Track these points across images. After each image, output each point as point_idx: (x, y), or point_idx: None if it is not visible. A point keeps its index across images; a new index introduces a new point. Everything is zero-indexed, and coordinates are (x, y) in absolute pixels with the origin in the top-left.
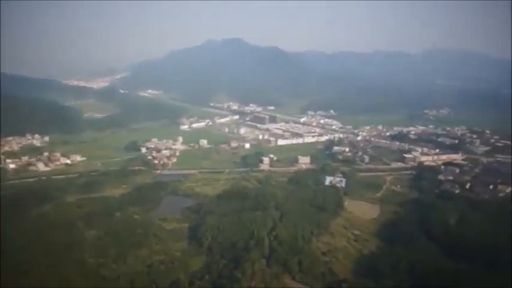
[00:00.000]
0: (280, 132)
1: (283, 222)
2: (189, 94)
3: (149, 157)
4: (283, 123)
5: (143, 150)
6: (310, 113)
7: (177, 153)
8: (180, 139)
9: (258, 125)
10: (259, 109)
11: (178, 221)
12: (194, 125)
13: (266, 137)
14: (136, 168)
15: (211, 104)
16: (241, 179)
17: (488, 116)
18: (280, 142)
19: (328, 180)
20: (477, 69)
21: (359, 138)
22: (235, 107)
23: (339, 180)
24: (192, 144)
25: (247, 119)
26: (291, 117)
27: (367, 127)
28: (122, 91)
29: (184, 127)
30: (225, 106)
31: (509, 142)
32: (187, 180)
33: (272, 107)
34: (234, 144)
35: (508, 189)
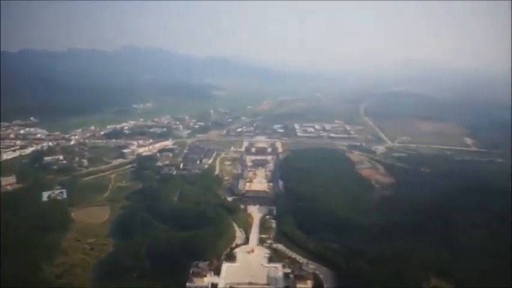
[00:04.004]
0: None
1: None
2: None
3: None
4: None
5: None
6: (4, 124)
7: None
8: None
9: None
10: None
11: None
12: None
13: None
14: None
15: None
16: None
17: (185, 104)
18: None
19: (45, 195)
20: (165, 64)
21: (72, 142)
22: None
23: (58, 193)
24: None
25: None
26: None
27: (79, 130)
28: None
29: None
30: None
31: (203, 123)
32: None
33: None
34: None
35: (209, 161)
